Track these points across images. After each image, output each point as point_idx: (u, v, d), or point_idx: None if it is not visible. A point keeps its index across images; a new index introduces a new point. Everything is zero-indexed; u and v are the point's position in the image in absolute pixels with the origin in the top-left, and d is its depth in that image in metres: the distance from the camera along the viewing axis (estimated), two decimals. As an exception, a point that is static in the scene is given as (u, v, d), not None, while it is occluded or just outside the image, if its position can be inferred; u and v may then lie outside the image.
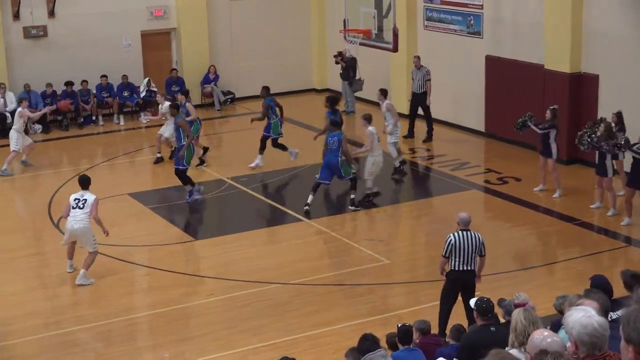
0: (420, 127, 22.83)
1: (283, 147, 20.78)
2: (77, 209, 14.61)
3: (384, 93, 19.94)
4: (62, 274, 15.48)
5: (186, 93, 21.76)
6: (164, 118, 21.42)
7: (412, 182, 20.93)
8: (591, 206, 17.56)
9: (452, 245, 11.98)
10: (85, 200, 14.62)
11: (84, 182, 14.82)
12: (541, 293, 13.14)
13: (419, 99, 22.73)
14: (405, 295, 14.26)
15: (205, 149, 21.31)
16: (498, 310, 9.98)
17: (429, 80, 22.46)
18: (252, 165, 20.59)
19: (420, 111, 22.94)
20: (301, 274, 15.12)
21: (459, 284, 12.11)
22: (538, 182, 18.74)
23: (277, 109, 20.71)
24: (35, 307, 14.23)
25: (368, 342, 8.95)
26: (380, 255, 15.84)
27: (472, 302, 9.74)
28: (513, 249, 16.21)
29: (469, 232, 12.07)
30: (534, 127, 18.23)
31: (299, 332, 13.06)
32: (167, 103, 21.07)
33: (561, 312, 9.75)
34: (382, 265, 15.49)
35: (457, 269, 12.05)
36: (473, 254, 12.04)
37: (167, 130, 21.14)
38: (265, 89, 21.03)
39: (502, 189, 19.14)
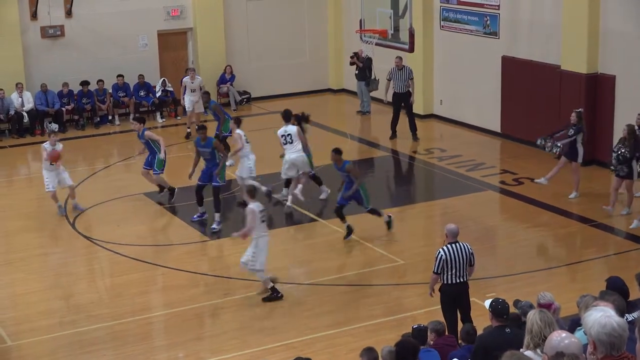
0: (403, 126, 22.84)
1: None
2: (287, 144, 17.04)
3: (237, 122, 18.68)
4: (78, 273, 15.54)
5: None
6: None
7: (427, 182, 20.91)
8: (605, 207, 17.45)
9: (443, 260, 11.74)
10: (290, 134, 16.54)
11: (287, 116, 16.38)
12: (557, 294, 12.99)
13: (402, 99, 22.89)
14: (420, 296, 14.20)
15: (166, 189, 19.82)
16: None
17: (412, 79, 22.62)
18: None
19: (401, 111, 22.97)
20: (316, 274, 15.13)
21: (454, 296, 11.99)
22: (557, 184, 18.61)
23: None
24: (51, 306, 14.28)
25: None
26: (394, 255, 15.82)
27: (487, 303, 9.70)
28: (529, 250, 16.16)
29: (458, 244, 11.89)
30: (560, 143, 18.04)
31: (314, 332, 13.06)
32: (199, 78, 23.78)
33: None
34: (396, 265, 15.47)
35: (450, 282, 11.83)
36: (464, 266, 11.83)
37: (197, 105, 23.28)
38: (206, 94, 22.06)
39: (517, 190, 19.08)
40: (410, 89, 22.73)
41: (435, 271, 11.86)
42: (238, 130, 18.30)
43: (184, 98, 24.09)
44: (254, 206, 14.16)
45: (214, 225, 17.30)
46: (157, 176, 18.76)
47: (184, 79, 24.03)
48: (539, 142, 18.52)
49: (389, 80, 22.87)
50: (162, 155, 18.51)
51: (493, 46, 22.76)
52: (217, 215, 17.31)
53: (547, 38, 21.30)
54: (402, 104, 22.87)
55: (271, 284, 14.25)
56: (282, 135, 18.26)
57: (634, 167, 16.77)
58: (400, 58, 22.74)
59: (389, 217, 16.97)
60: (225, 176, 17.65)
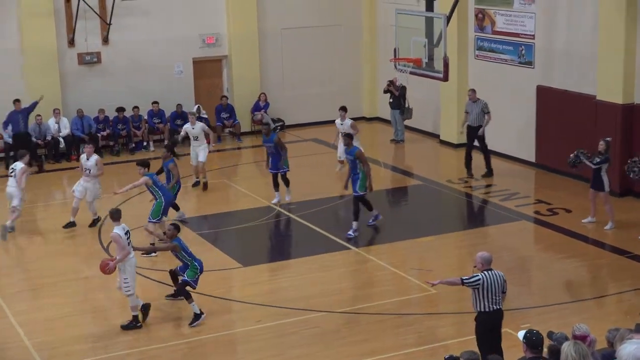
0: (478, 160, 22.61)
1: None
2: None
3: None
4: (111, 298, 15.60)
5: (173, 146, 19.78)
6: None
7: (460, 211, 20.82)
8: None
9: (479, 283, 11.64)
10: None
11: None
12: (591, 326, 12.88)
13: (475, 133, 22.20)
14: (454, 326, 14.13)
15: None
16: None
17: (488, 113, 21.83)
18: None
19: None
20: (349, 302, 15.09)
21: (491, 325, 11.87)
22: (588, 213, 18.53)
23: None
24: (84, 330, 14.33)
25: None
26: (428, 285, 15.72)
27: (521, 334, 9.61)
28: (563, 281, 16.02)
29: (493, 272, 11.82)
30: (587, 162, 18.00)
31: (346, 360, 13.03)
32: (200, 123, 21.80)
33: (613, 345, 9.62)
34: (429, 295, 15.39)
35: (487, 310, 11.72)
36: (499, 293, 11.76)
37: (201, 154, 21.54)
38: (267, 125, 20.94)
39: (552, 220, 18.96)
40: (482, 123, 21.94)
41: (464, 281, 11.71)
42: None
43: (176, 137, 22.91)
44: (118, 230, 14.15)
45: (350, 232, 18.16)
46: (152, 225, 17.42)
47: (184, 127, 22.04)
48: (571, 158, 18.37)
49: (467, 113, 22.24)
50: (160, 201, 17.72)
51: (528, 76, 22.71)
52: (354, 224, 18.21)
53: (583, 68, 21.22)
54: (475, 139, 22.22)
55: (137, 313, 14.28)
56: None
57: None
58: (474, 91, 22.16)
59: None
60: (365, 187, 18.10)
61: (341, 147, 20.80)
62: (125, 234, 14.30)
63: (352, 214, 18.28)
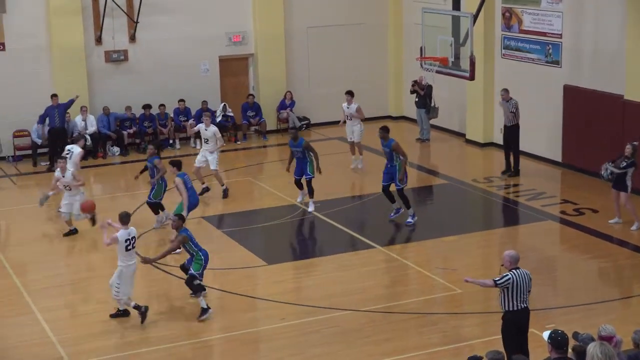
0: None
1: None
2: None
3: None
4: (136, 295, 15.65)
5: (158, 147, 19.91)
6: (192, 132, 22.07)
7: (486, 211, 20.75)
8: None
9: (510, 282, 11.63)
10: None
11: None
12: (617, 327, 12.79)
13: (507, 132, 22.15)
14: (479, 326, 14.08)
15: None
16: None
17: (513, 112, 21.82)
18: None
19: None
20: (373, 301, 15.06)
21: (519, 324, 11.82)
22: (614, 214, 18.42)
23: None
24: (109, 327, 14.41)
25: None
26: (452, 284, 15.70)
27: (546, 334, 9.56)
28: (588, 281, 15.92)
29: (520, 270, 11.79)
30: (617, 171, 17.84)
31: (370, 359, 12.99)
32: (213, 127, 21.11)
33: (638, 346, 9.56)
34: (454, 294, 15.35)
35: (514, 309, 11.70)
36: (526, 292, 11.77)
37: (212, 163, 20.84)
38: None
39: (578, 220, 18.85)
40: (514, 122, 21.87)
41: (496, 282, 11.70)
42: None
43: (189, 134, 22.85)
44: (121, 235, 14.20)
45: (409, 219, 18.72)
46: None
47: (198, 125, 21.53)
48: (605, 176, 18.21)
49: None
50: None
51: (555, 75, 22.59)
52: (410, 210, 18.76)
53: (611, 67, 21.08)
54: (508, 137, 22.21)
55: (132, 304, 14.41)
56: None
57: None
58: (507, 90, 22.04)
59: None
60: (406, 178, 18.68)
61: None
62: (131, 239, 14.31)
63: (404, 204, 18.67)
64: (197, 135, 25.77)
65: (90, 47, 25.38)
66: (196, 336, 13.98)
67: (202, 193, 20.47)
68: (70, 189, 18.51)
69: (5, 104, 24.63)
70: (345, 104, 23.16)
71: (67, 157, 19.27)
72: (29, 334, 14.22)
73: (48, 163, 24.19)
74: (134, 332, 14.17)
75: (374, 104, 28.42)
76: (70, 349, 13.59)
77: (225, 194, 20.95)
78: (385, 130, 18.98)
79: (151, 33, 25.84)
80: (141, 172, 19.30)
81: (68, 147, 20.16)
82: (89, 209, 17.56)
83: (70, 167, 18.99)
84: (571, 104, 22.23)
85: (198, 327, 14.29)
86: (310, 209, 19.69)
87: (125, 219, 14.39)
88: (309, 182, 19.70)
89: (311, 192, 19.74)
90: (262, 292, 15.82)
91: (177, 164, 18.10)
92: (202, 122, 21.29)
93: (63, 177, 18.54)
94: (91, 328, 14.35)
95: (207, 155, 20.93)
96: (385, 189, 18.91)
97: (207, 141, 21.03)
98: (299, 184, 20.06)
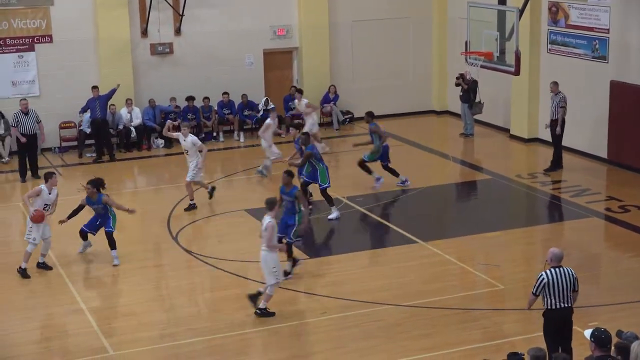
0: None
1: (393, 172, 20.73)
2: None
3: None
4: (180, 286, 15.80)
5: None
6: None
7: (529, 207, 20.61)
8: None
9: (544, 283, 11.53)
10: None
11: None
12: (661, 326, 12.73)
13: (554, 125, 21.90)
14: (520, 322, 14.00)
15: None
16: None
17: (562, 107, 21.53)
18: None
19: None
20: (413, 296, 15.03)
21: (558, 322, 11.73)
22: (662, 211, 18.25)
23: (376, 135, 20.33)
24: (152, 318, 14.53)
25: None
26: (494, 280, 15.62)
27: (588, 332, 9.49)
28: (633, 279, 15.74)
29: (562, 269, 11.65)
30: None
31: (409, 354, 12.98)
32: (191, 137, 19.60)
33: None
34: (496, 290, 15.28)
35: (553, 307, 11.60)
36: (569, 291, 11.60)
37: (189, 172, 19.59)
38: (369, 114, 20.88)
39: (623, 218, 18.66)
40: (558, 117, 21.60)
41: (534, 292, 11.67)
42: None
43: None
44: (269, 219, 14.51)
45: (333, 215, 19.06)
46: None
47: (177, 133, 19.99)
48: None
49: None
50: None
51: (602, 70, 22.36)
52: (333, 208, 19.09)
53: (658, 63, 20.83)
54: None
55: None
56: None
57: None
58: (556, 83, 21.76)
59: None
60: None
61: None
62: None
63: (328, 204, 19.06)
64: (241, 127, 26.01)
65: (136, 40, 25.58)
66: (239, 328, 14.05)
67: (211, 194, 20.18)
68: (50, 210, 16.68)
69: (51, 95, 24.91)
70: (296, 101, 24.31)
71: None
72: (73, 324, 14.40)
73: (94, 154, 24.43)
74: (176, 323, 14.27)
75: (418, 98, 28.34)
76: (113, 339, 13.72)
77: (189, 208, 19.65)
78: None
79: (196, 26, 25.98)
80: (68, 217, 17.16)
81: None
82: (37, 220, 16.14)
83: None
84: (618, 100, 21.99)
85: (241, 319, 14.36)
86: (333, 215, 19.02)
87: (270, 205, 14.44)
88: (323, 192, 18.92)
89: (329, 201, 19.04)
90: (304, 286, 15.85)
91: (98, 184, 16.79)
92: (181, 132, 19.76)
93: (49, 193, 16.53)
94: (134, 319, 14.48)
95: (189, 166, 19.63)
96: (361, 163, 20.51)
97: (187, 152, 19.63)
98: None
